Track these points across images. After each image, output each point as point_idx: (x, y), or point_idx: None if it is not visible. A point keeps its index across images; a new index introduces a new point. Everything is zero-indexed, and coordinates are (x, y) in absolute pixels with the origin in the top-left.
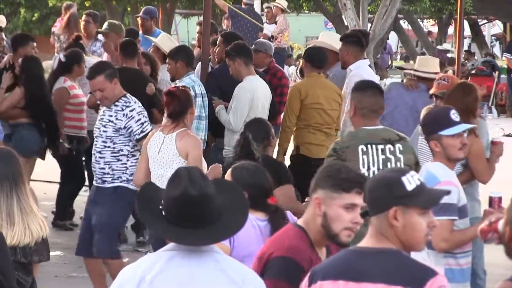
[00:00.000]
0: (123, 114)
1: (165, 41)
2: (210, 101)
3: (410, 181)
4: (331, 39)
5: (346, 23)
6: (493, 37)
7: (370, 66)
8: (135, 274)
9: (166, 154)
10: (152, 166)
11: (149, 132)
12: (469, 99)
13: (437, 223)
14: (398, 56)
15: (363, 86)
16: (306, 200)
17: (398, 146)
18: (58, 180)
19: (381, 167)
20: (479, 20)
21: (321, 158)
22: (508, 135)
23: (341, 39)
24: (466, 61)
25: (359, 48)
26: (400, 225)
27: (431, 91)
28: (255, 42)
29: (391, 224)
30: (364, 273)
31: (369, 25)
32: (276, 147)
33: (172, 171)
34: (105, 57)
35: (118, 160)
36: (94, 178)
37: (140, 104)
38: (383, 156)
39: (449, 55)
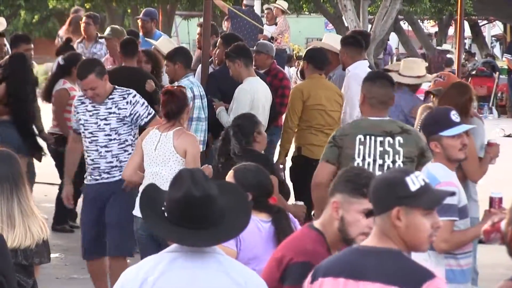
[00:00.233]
0: (127, 102)
1: (165, 44)
2: (210, 103)
3: (414, 181)
4: (333, 41)
5: (346, 24)
6: (493, 38)
7: (371, 67)
8: (138, 275)
9: (163, 152)
10: (147, 164)
11: (155, 113)
12: (463, 99)
13: (442, 224)
14: (395, 58)
15: (374, 77)
16: (296, 203)
17: (398, 139)
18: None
19: (377, 158)
20: (479, 21)
21: None
22: (508, 136)
23: (340, 41)
24: (466, 62)
25: (356, 49)
26: (403, 226)
27: (427, 88)
28: (257, 43)
29: (394, 224)
30: (363, 271)
31: (369, 26)
32: (278, 148)
33: (168, 169)
34: (109, 60)
35: (125, 151)
36: (94, 175)
37: None
38: (381, 148)
39: (450, 55)
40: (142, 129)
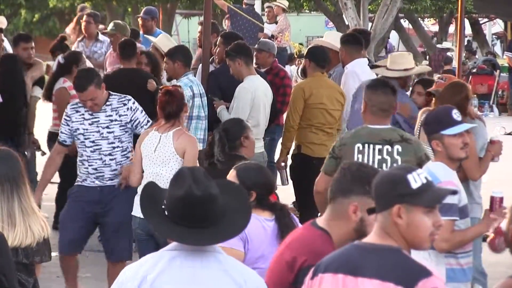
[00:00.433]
0: (127, 108)
1: (164, 42)
2: (211, 102)
3: (416, 179)
4: (334, 39)
5: (346, 23)
6: (494, 36)
7: (371, 65)
8: (137, 274)
9: (163, 153)
10: (146, 165)
11: (152, 122)
12: (458, 98)
13: (443, 223)
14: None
15: (375, 84)
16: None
17: (397, 147)
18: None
19: (375, 166)
20: (479, 19)
21: (322, 157)
22: (509, 134)
23: (339, 39)
24: (467, 60)
25: (355, 47)
26: (404, 223)
27: (429, 89)
28: (259, 41)
29: (395, 221)
30: (362, 268)
31: (370, 24)
32: (279, 146)
33: (169, 170)
34: (113, 55)
35: (127, 157)
36: (91, 179)
37: None
38: (379, 157)
39: (451, 53)
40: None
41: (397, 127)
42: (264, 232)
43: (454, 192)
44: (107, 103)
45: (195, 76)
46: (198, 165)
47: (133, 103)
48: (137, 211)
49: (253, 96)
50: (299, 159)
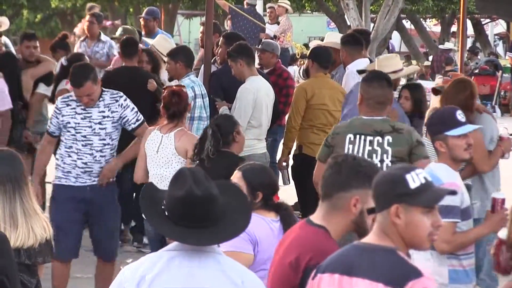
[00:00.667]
0: (119, 105)
1: (162, 43)
2: (213, 102)
3: (415, 179)
4: (335, 40)
5: (348, 23)
6: (496, 37)
7: None
8: (136, 273)
9: (165, 154)
10: (150, 166)
11: (144, 120)
12: (463, 96)
13: (443, 223)
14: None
15: (371, 77)
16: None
17: (388, 138)
18: None
19: (365, 157)
20: (482, 20)
21: None
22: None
23: (340, 40)
24: (469, 60)
25: (355, 47)
26: (402, 223)
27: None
28: (262, 42)
29: (393, 221)
30: (357, 268)
31: (372, 25)
32: (281, 147)
33: (171, 171)
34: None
35: (113, 156)
36: (82, 177)
37: None
38: (370, 148)
39: (453, 54)
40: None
41: None
42: (272, 233)
43: (453, 193)
44: (100, 98)
45: (197, 76)
46: None
47: (125, 100)
48: None
49: (255, 97)
50: (300, 159)
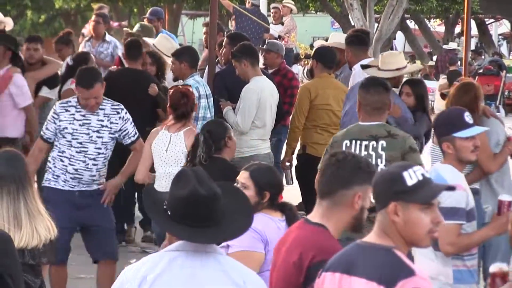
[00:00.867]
0: (120, 117)
1: (163, 43)
2: (217, 102)
3: (412, 176)
4: (339, 40)
5: (352, 23)
6: (500, 36)
7: None
8: (137, 274)
9: (175, 153)
10: (158, 165)
11: (139, 135)
12: (467, 98)
13: (442, 219)
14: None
15: (367, 84)
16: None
17: (382, 143)
18: None
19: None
20: (486, 20)
21: None
22: None
23: (344, 40)
24: (473, 60)
25: (360, 47)
26: (401, 221)
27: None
28: (267, 42)
29: (392, 220)
30: (355, 267)
31: (376, 25)
32: (284, 146)
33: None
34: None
35: (105, 166)
36: (70, 182)
37: None
38: (365, 152)
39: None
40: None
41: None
42: (280, 233)
43: (450, 188)
44: (101, 106)
45: (202, 77)
46: None
47: (125, 112)
48: None
49: (259, 97)
50: (304, 159)
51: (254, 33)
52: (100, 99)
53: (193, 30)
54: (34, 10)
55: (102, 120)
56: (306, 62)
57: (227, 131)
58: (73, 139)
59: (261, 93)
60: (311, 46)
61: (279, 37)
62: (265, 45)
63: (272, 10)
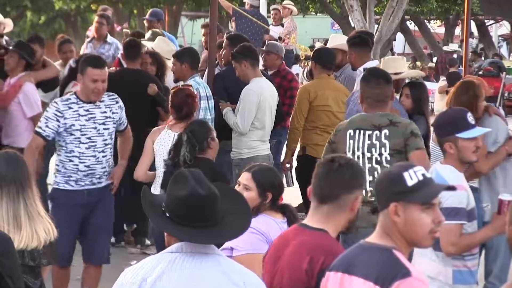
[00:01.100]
0: (118, 106)
1: (161, 45)
2: (216, 103)
3: (412, 176)
4: (340, 41)
5: (352, 25)
6: (500, 38)
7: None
8: (137, 276)
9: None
10: (160, 164)
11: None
12: (465, 97)
13: (443, 219)
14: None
15: (368, 77)
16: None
17: (385, 131)
18: None
19: (365, 152)
20: (486, 21)
21: None
22: None
23: (347, 42)
24: (473, 62)
25: (364, 49)
26: (402, 221)
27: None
28: (267, 43)
29: (393, 220)
30: (355, 266)
31: (376, 26)
32: (284, 148)
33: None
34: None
35: (111, 155)
36: (84, 181)
37: None
38: (369, 142)
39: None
40: None
41: None
42: None
43: (450, 188)
44: (101, 99)
45: (202, 78)
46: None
47: (120, 100)
48: None
49: (259, 99)
50: (304, 160)
51: (254, 35)
52: (105, 86)
53: (193, 31)
54: (34, 11)
55: (105, 112)
56: (306, 63)
57: (210, 132)
58: (82, 135)
59: (261, 94)
60: (311, 48)
61: (280, 38)
62: (264, 47)
63: (272, 12)
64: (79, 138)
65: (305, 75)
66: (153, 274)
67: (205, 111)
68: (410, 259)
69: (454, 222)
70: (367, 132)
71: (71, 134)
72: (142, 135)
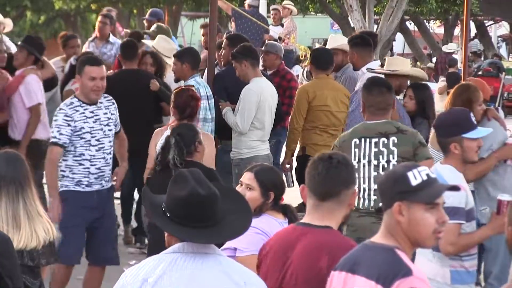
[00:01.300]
0: (114, 107)
1: (162, 44)
2: (217, 103)
3: (416, 176)
4: (341, 42)
5: (352, 25)
6: (499, 38)
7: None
8: (138, 276)
9: None
10: None
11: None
12: (459, 101)
13: (447, 219)
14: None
15: (370, 85)
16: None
17: (393, 139)
18: None
19: (372, 159)
20: (485, 21)
21: None
22: None
23: (348, 42)
24: (472, 62)
25: (365, 49)
26: (405, 221)
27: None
28: (266, 43)
29: (397, 220)
30: (359, 266)
31: (375, 26)
32: (284, 148)
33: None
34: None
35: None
36: (95, 184)
37: None
38: (376, 149)
39: (456, 56)
40: None
41: None
42: None
43: (454, 188)
44: (99, 100)
45: (202, 77)
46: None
47: (115, 102)
48: None
49: (259, 98)
50: (304, 160)
51: (254, 34)
52: (104, 84)
53: (193, 31)
54: (33, 11)
55: (106, 113)
56: (306, 64)
57: (197, 136)
58: (92, 137)
59: (261, 94)
60: (311, 48)
61: (280, 38)
62: (263, 47)
63: (271, 12)
64: (89, 140)
65: (304, 75)
66: (154, 274)
67: (205, 110)
68: (413, 259)
69: (452, 222)
70: (373, 140)
71: (81, 138)
72: (146, 135)
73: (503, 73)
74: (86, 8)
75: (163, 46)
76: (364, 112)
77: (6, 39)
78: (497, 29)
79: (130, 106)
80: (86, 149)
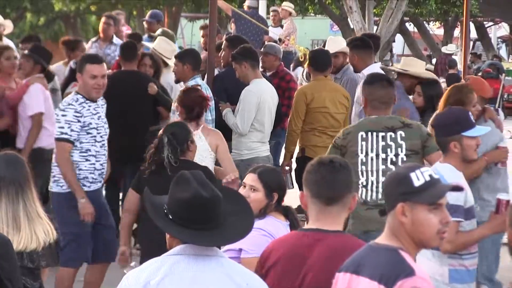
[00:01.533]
0: (105, 107)
1: (162, 45)
2: (216, 104)
3: (419, 177)
4: (341, 44)
5: (352, 26)
6: (499, 39)
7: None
8: (140, 279)
9: (198, 151)
10: None
11: None
12: (451, 101)
13: (451, 219)
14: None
15: (372, 80)
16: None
17: (400, 133)
18: None
19: (380, 153)
20: (485, 23)
21: None
22: None
23: (348, 44)
24: (472, 63)
25: (366, 51)
26: (409, 222)
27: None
28: (265, 45)
29: (401, 221)
30: (363, 267)
31: (375, 28)
32: (283, 149)
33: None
34: None
35: None
36: (98, 180)
37: None
38: (383, 143)
39: (455, 57)
40: None
41: None
42: None
43: (456, 188)
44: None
45: (202, 79)
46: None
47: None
48: None
49: (258, 100)
50: (303, 162)
51: (254, 35)
52: (105, 82)
53: (192, 32)
54: (33, 13)
55: (104, 110)
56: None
57: (189, 135)
58: (97, 133)
59: (260, 95)
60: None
61: (280, 40)
62: (262, 48)
63: (271, 13)
64: (95, 136)
65: (304, 77)
66: (156, 277)
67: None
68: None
69: (451, 220)
70: (380, 134)
71: (88, 133)
72: (143, 137)
73: (503, 75)
74: (86, 10)
75: (164, 47)
76: (366, 107)
77: (7, 41)
78: (497, 30)
79: (129, 106)
80: (92, 145)
